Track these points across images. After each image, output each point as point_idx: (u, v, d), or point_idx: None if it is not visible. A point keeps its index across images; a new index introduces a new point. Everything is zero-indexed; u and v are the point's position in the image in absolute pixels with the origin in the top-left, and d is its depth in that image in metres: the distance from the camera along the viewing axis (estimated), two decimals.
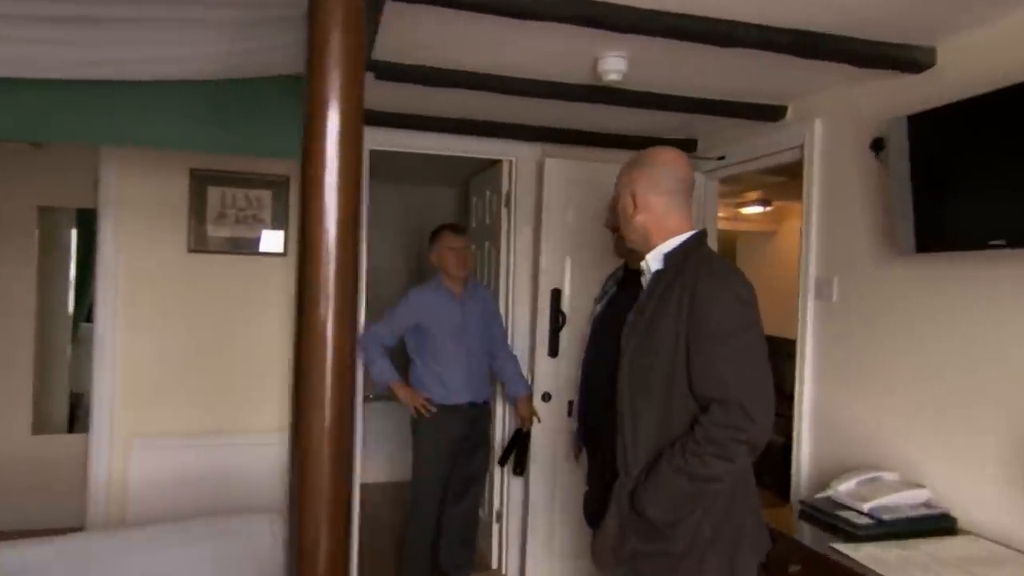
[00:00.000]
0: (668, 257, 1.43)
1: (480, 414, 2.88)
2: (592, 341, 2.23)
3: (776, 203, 5.27)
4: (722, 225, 6.18)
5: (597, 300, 2.28)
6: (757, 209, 5.40)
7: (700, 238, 1.46)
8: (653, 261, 1.46)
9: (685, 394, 1.33)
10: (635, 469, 1.38)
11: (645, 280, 1.50)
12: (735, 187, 4.77)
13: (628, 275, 2.20)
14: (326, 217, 0.97)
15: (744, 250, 6.58)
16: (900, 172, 1.78)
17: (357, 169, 1.00)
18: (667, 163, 1.46)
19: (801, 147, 2.36)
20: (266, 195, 2.65)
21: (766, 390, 1.31)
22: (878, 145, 1.99)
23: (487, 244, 3.41)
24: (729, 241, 6.82)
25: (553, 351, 2.89)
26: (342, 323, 0.98)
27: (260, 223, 2.63)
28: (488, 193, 3.39)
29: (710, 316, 1.30)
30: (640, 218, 1.46)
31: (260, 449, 2.30)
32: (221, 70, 1.70)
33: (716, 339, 1.29)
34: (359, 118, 0.99)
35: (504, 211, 3.17)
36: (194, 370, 2.52)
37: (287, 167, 2.55)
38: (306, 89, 0.96)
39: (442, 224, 2.92)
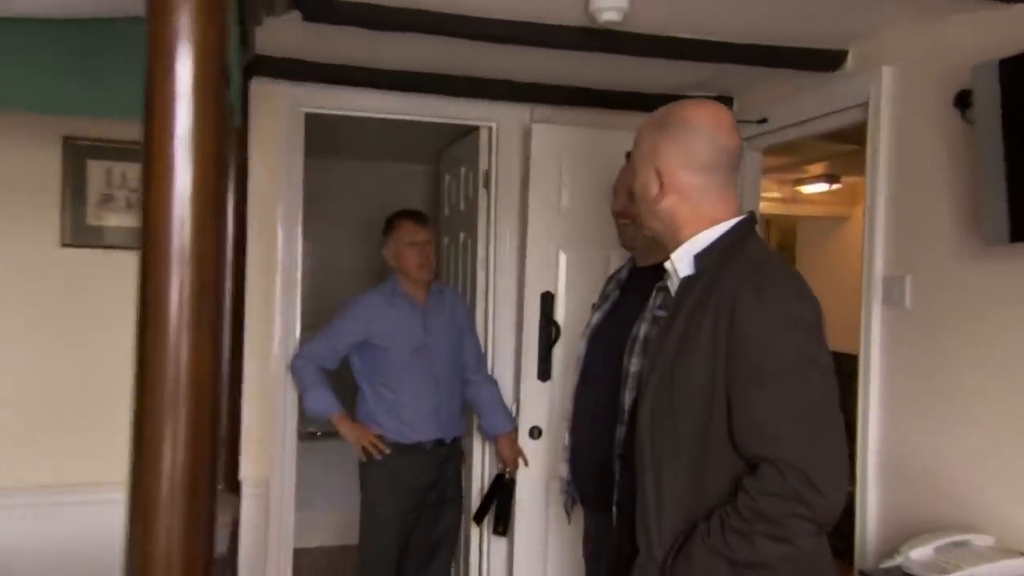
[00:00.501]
0: (700, 258, 1.36)
1: (449, 456, 2.84)
2: (587, 361, 2.18)
3: (846, 179, 5.20)
4: (777, 209, 6.24)
5: (596, 307, 2.24)
6: (821, 187, 5.37)
7: (745, 230, 1.38)
8: (681, 263, 1.39)
9: (726, 447, 1.27)
10: (660, 551, 1.32)
11: (672, 285, 1.43)
12: (792, 158, 4.72)
13: (634, 275, 2.15)
14: (175, 200, 0.89)
15: (806, 241, 6.55)
16: (989, 135, 1.73)
17: (218, 135, 0.92)
18: (706, 125, 1.37)
19: (865, 104, 2.32)
20: None
21: (836, 449, 1.24)
22: (964, 100, 1.94)
23: (462, 235, 3.38)
24: (786, 230, 6.81)
25: (544, 373, 2.87)
26: (200, 344, 0.90)
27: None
28: (463, 170, 3.36)
29: (756, 346, 1.23)
30: (667, 202, 1.39)
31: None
32: (89, 4, 1.65)
33: (764, 377, 1.23)
34: (219, 65, 0.91)
35: (483, 193, 3.14)
36: (51, 407, 2.45)
37: None
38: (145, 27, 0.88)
39: (399, 211, 2.88)
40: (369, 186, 4.76)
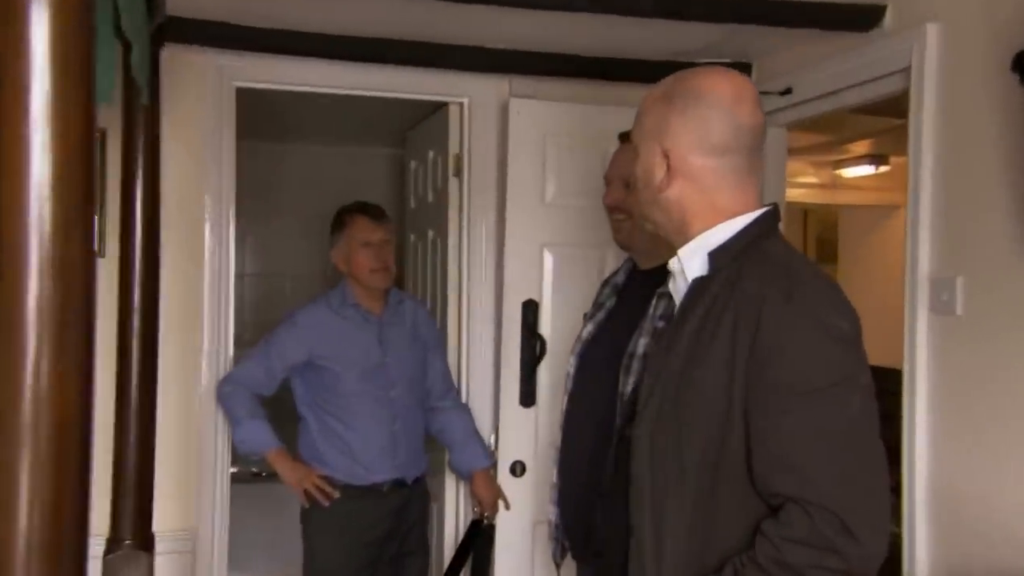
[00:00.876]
0: (716, 257, 1.34)
1: (411, 500, 2.83)
2: (576, 381, 2.17)
3: (896, 160, 5.20)
4: (815, 197, 6.26)
5: (588, 317, 2.23)
6: (866, 170, 5.38)
7: (769, 224, 1.37)
8: (690, 261, 1.38)
9: (742, 485, 1.26)
10: None
11: (678, 288, 1.42)
12: (829, 136, 4.72)
13: (633, 279, 2.13)
14: (31, 197, 0.87)
15: (850, 234, 6.56)
16: None
17: (86, 116, 0.90)
18: (724, 98, 1.35)
19: (907, 70, 2.31)
20: None
21: (877, 488, 1.23)
22: None
23: (431, 233, 3.37)
24: (827, 222, 6.83)
25: (527, 397, 2.85)
26: (63, 373, 0.88)
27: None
28: (431, 155, 3.35)
29: (785, 361, 1.21)
30: (675, 189, 1.37)
31: None
32: None
33: (793, 399, 1.21)
34: (85, 29, 0.90)
35: (453, 182, 3.13)
36: None
37: (101, 115, 2.47)
38: None
39: (351, 204, 2.85)
40: (325, 174, 4.74)
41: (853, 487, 1.20)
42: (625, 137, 2.14)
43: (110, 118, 2.46)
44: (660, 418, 1.31)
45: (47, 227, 0.90)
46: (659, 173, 1.37)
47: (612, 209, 2.10)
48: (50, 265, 0.89)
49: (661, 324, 2.01)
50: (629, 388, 2.00)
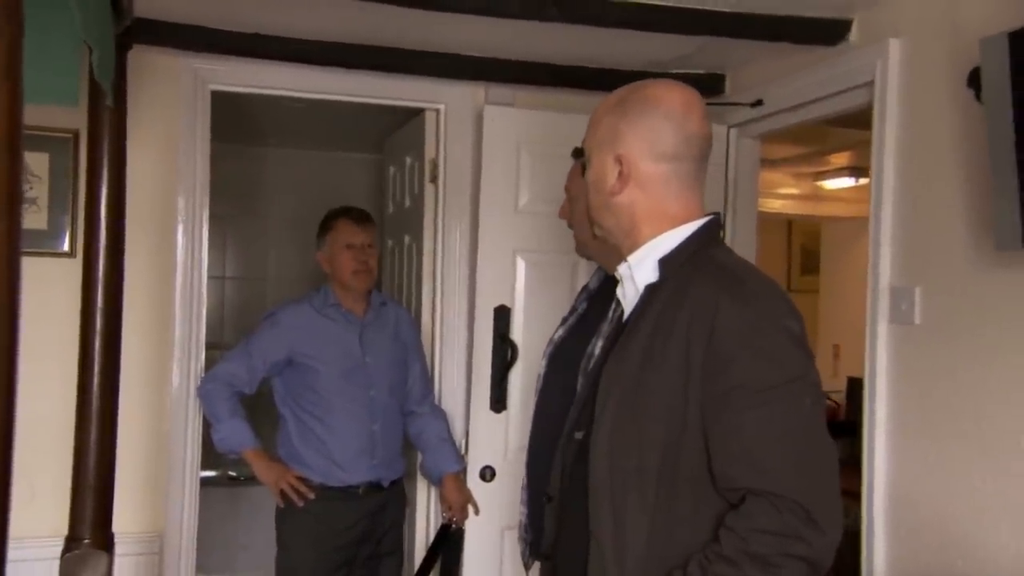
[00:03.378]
0: (666, 264, 1.38)
1: (388, 502, 2.82)
2: (545, 382, 2.19)
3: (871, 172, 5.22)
4: (797, 208, 6.27)
5: (563, 321, 2.25)
6: (846, 182, 5.38)
7: (712, 231, 1.42)
8: (640, 269, 1.41)
9: (701, 484, 1.29)
10: None
11: (626, 293, 1.44)
12: (810, 147, 4.74)
13: (603, 285, 2.15)
14: None
15: (832, 245, 6.56)
16: (999, 121, 1.74)
17: (12, 109, 0.90)
18: (675, 108, 1.39)
19: (871, 84, 2.33)
20: (40, 161, 2.57)
21: (832, 480, 1.28)
22: (979, 79, 1.92)
23: (407, 238, 3.37)
24: (809, 232, 6.83)
25: (498, 403, 2.85)
26: None
27: (30, 205, 2.55)
28: (408, 161, 3.36)
29: (742, 363, 1.25)
30: (626, 195, 1.41)
31: (23, 568, 2.17)
32: None
33: (751, 398, 1.24)
34: (14, 24, 0.89)
35: (429, 188, 3.14)
36: None
37: (74, 116, 2.47)
38: None
39: (337, 208, 2.87)
40: (306, 179, 4.74)
41: (813, 479, 1.25)
42: (580, 154, 2.18)
43: (83, 119, 2.46)
44: (617, 422, 1.33)
45: None
46: (611, 179, 1.41)
47: (568, 221, 2.16)
48: None
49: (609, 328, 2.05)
50: (580, 389, 2.03)
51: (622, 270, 1.44)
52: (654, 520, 1.29)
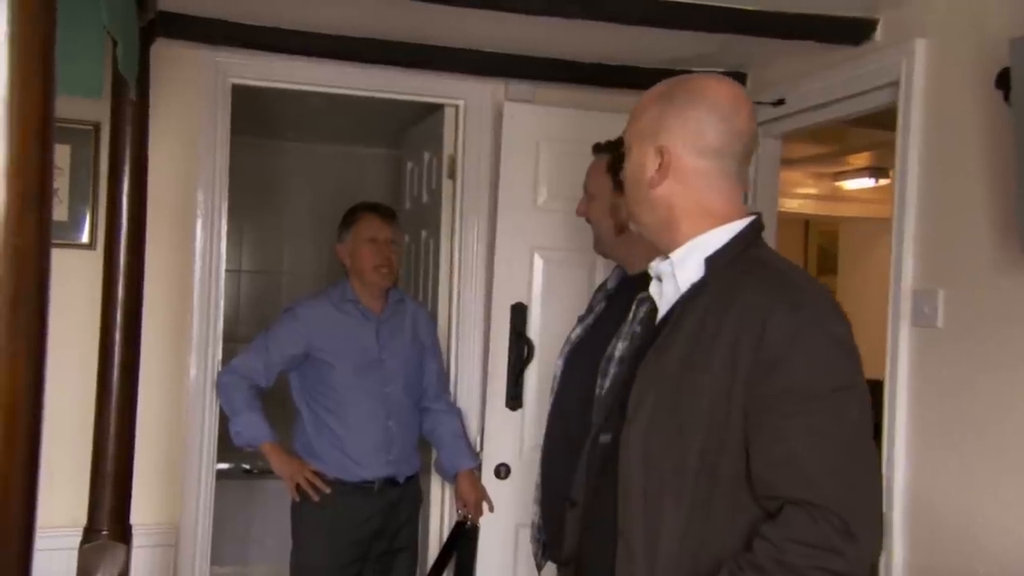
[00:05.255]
0: (712, 262, 1.34)
1: (403, 498, 2.83)
2: (562, 383, 2.18)
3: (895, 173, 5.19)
4: (815, 208, 6.25)
5: (580, 320, 2.25)
6: (866, 183, 5.36)
7: (756, 231, 1.38)
8: (683, 267, 1.37)
9: (739, 489, 1.26)
10: None
11: (661, 293, 1.41)
12: (829, 147, 4.71)
13: (623, 285, 2.15)
14: None
15: (850, 246, 6.53)
16: None
17: (44, 99, 0.90)
18: (722, 102, 1.36)
19: (896, 84, 2.31)
20: (61, 152, 2.58)
21: (875, 492, 1.26)
22: (1008, 80, 1.90)
23: (424, 233, 3.37)
24: (827, 233, 6.81)
25: (513, 400, 2.85)
26: (13, 350, 0.88)
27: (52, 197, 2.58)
28: (426, 156, 3.36)
29: (790, 368, 1.22)
30: (665, 188, 1.37)
31: (42, 557, 2.18)
32: None
33: (797, 404, 1.22)
34: (46, 12, 0.90)
35: (447, 184, 3.13)
36: None
37: (95, 108, 2.49)
38: None
39: (362, 203, 2.87)
40: (324, 173, 4.76)
41: (855, 490, 1.22)
42: (599, 149, 2.17)
43: (105, 112, 2.48)
44: (654, 422, 1.30)
45: (0, 215, 0.90)
46: (650, 170, 1.37)
47: (587, 218, 2.14)
48: (2, 251, 0.89)
49: (639, 329, 2.03)
50: (604, 392, 2.01)
51: (662, 267, 1.40)
52: (689, 524, 1.27)
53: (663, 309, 1.40)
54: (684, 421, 1.27)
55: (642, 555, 1.29)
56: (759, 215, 1.40)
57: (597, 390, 2.01)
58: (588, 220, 2.13)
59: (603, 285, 2.29)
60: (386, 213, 2.83)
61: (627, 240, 2.08)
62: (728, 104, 1.35)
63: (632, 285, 2.13)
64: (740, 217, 1.37)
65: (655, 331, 1.38)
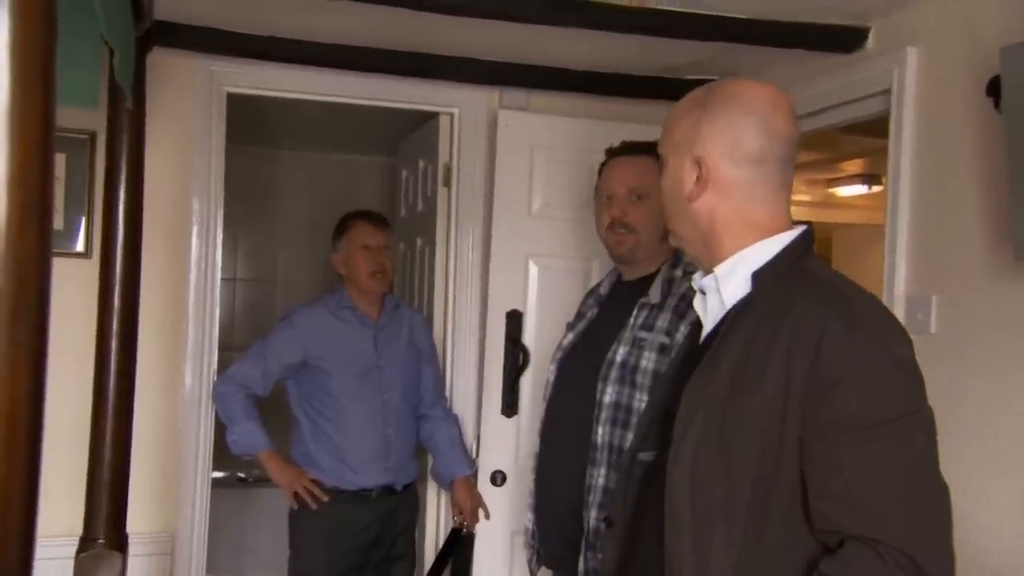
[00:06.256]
0: (760, 277, 1.26)
1: (400, 507, 2.83)
2: (556, 388, 2.19)
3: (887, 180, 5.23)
4: (808, 215, 6.25)
5: (570, 326, 2.25)
6: (858, 189, 5.38)
7: (807, 242, 1.30)
8: (728, 282, 1.29)
9: (794, 520, 1.18)
10: None
11: (705, 309, 1.35)
12: (822, 155, 4.74)
13: (617, 289, 2.15)
14: None
15: (844, 253, 6.55)
16: (1017, 129, 1.74)
17: (45, 111, 0.91)
18: (760, 106, 1.28)
19: (888, 92, 2.32)
20: (57, 162, 2.59)
21: (945, 528, 1.15)
22: (999, 88, 1.92)
23: (419, 241, 3.38)
24: (820, 239, 6.81)
25: (509, 407, 2.85)
26: (14, 359, 0.88)
27: (53, 208, 2.58)
28: (421, 164, 3.37)
29: (850, 393, 1.14)
30: (705, 200, 1.30)
31: (38, 567, 2.17)
32: None
33: (859, 433, 1.13)
34: (46, 25, 0.90)
35: (442, 191, 3.14)
36: None
37: (91, 117, 2.49)
38: None
39: (351, 212, 2.89)
40: (319, 181, 4.76)
41: (923, 526, 1.13)
42: (620, 152, 2.16)
43: (100, 121, 2.48)
44: (703, 447, 1.22)
45: (2, 226, 0.90)
46: (688, 183, 1.31)
47: (614, 224, 2.10)
48: (3, 262, 0.90)
49: (643, 334, 2.03)
50: (608, 396, 2.02)
51: (706, 282, 1.32)
52: (740, 557, 1.18)
53: (708, 325, 1.33)
54: (734, 447, 1.19)
55: None
56: (810, 225, 1.33)
57: (598, 395, 2.02)
58: (622, 226, 2.07)
59: (594, 290, 2.29)
60: (378, 220, 2.85)
61: (661, 246, 2.06)
62: (765, 106, 1.28)
63: (627, 289, 2.14)
64: (787, 228, 1.30)
65: (701, 348, 1.31)
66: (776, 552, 1.18)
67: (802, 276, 1.25)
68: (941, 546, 1.14)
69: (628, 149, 2.15)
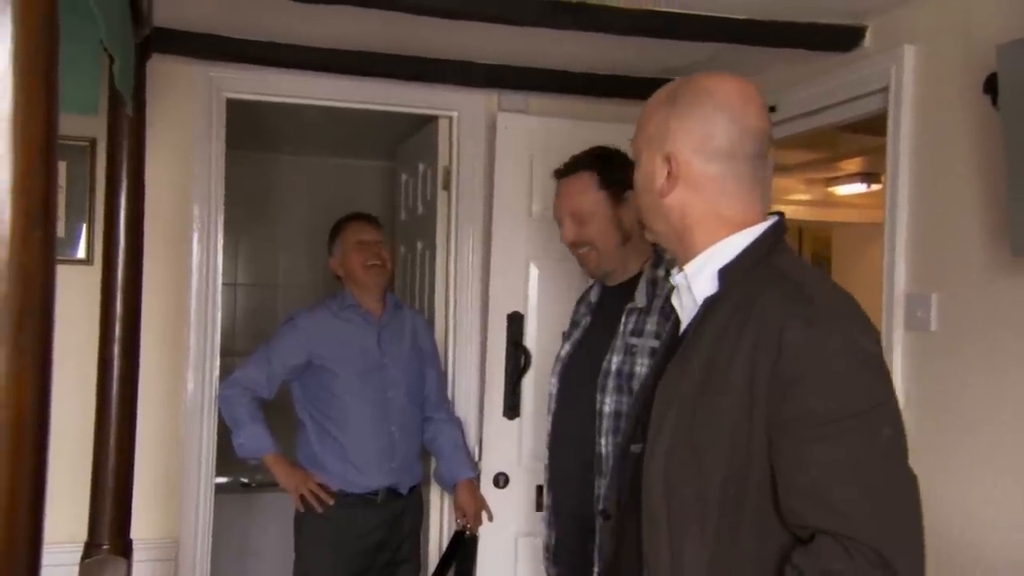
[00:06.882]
0: (727, 274, 1.27)
1: (406, 510, 2.84)
2: (559, 402, 2.19)
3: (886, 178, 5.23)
4: (808, 214, 6.28)
5: (565, 336, 2.25)
6: (858, 188, 5.39)
7: (777, 236, 1.30)
8: (698, 279, 1.30)
9: (766, 516, 1.18)
10: None
11: (681, 306, 1.35)
12: (821, 154, 4.75)
13: (606, 296, 2.15)
14: None
15: (843, 251, 6.55)
16: (1014, 126, 1.74)
17: (47, 120, 0.91)
18: (730, 101, 1.27)
19: (886, 90, 2.33)
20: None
21: (914, 519, 1.14)
22: (996, 85, 1.93)
23: (420, 244, 3.38)
24: (821, 238, 6.83)
25: (511, 409, 2.85)
26: (19, 366, 0.89)
27: (57, 215, 2.59)
28: (421, 167, 3.37)
29: (812, 388, 1.14)
30: (676, 196, 1.30)
31: (42, 574, 2.17)
32: None
33: (823, 427, 1.13)
34: (48, 35, 0.91)
35: (442, 195, 3.14)
36: None
37: (91, 125, 2.50)
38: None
39: (343, 216, 2.90)
40: (319, 185, 4.76)
41: (890, 520, 1.12)
42: (560, 174, 2.17)
43: (100, 127, 2.49)
44: (674, 445, 1.23)
45: (6, 233, 0.90)
46: (659, 179, 1.30)
47: (572, 244, 2.13)
48: (8, 269, 0.90)
49: (633, 340, 2.03)
50: (607, 406, 2.01)
51: (678, 280, 1.34)
52: (715, 554, 1.19)
53: (684, 322, 1.34)
54: (704, 446, 1.20)
55: None
56: (781, 216, 1.32)
57: (598, 405, 2.02)
58: (579, 245, 2.10)
59: (584, 297, 2.29)
60: (370, 218, 2.90)
61: (628, 249, 2.08)
62: (736, 101, 1.27)
63: (615, 295, 2.14)
64: (757, 221, 1.29)
65: (677, 343, 1.32)
66: (750, 548, 1.19)
67: (769, 271, 1.25)
68: (909, 539, 1.13)
69: (564, 170, 2.17)
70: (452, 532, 2.94)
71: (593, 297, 2.21)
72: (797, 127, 2.77)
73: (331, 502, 2.69)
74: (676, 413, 1.24)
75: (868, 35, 2.43)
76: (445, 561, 2.84)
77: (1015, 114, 1.75)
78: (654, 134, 1.32)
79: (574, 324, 2.24)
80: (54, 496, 2.41)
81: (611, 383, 2.01)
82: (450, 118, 3.09)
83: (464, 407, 3.04)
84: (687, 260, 1.32)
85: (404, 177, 3.65)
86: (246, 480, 4.23)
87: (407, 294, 3.55)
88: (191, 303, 2.77)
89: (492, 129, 2.97)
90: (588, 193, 2.08)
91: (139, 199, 1.98)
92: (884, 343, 2.28)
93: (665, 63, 2.80)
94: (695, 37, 2.43)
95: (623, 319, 2.04)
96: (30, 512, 0.92)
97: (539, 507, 2.80)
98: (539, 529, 2.28)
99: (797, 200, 5.79)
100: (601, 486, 2.00)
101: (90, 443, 1.94)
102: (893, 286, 2.27)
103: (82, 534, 1.94)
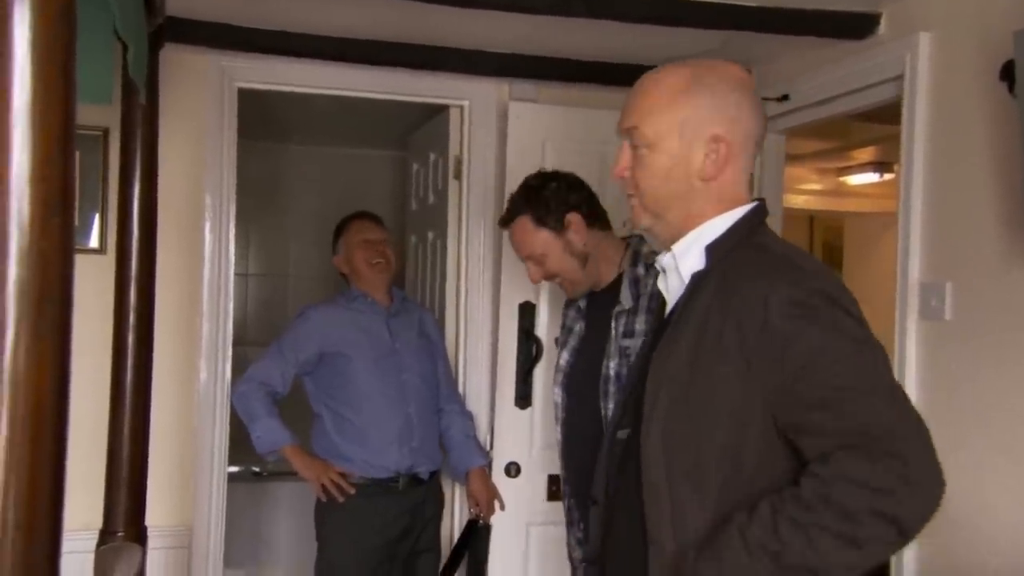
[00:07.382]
0: (714, 250, 1.30)
1: (427, 498, 2.84)
2: (567, 414, 2.19)
3: (900, 168, 5.20)
4: (819, 203, 6.25)
5: (560, 343, 2.26)
6: (870, 177, 5.36)
7: (759, 216, 1.34)
8: (686, 257, 1.33)
9: (765, 482, 1.20)
10: (670, 540, 1.24)
11: (667, 288, 1.38)
12: (833, 143, 4.72)
13: (594, 302, 2.16)
14: (11, 188, 0.89)
15: (856, 241, 6.53)
16: None
17: (65, 110, 0.92)
18: (749, 89, 1.34)
19: (900, 78, 2.31)
20: None
21: (928, 438, 1.15)
22: (1013, 72, 1.91)
23: (431, 234, 3.38)
24: (833, 228, 6.80)
25: (523, 398, 2.85)
26: (38, 352, 0.89)
27: (75, 201, 2.59)
28: (432, 157, 3.37)
29: (803, 340, 1.18)
30: (725, 178, 1.32)
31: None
32: None
33: (822, 369, 1.17)
34: (66, 26, 0.91)
35: (453, 184, 3.14)
36: None
37: (104, 114, 2.50)
38: None
39: (346, 215, 2.92)
40: (329, 175, 4.76)
41: (909, 434, 1.14)
42: (503, 223, 2.20)
43: (113, 117, 2.49)
44: (671, 421, 1.26)
45: (25, 220, 0.91)
46: (699, 162, 1.30)
47: (546, 278, 2.18)
48: (27, 255, 0.91)
49: (625, 343, 2.04)
50: (611, 412, 2.02)
51: (665, 260, 1.37)
52: (716, 519, 1.22)
53: (671, 302, 1.37)
54: (701, 417, 1.24)
55: (672, 556, 1.24)
56: (762, 200, 1.38)
57: (603, 412, 2.03)
58: (549, 278, 2.17)
59: (572, 302, 2.28)
60: (373, 217, 2.91)
61: (592, 264, 2.12)
62: (750, 88, 1.35)
63: (601, 299, 2.15)
64: (745, 203, 1.34)
65: (664, 324, 1.35)
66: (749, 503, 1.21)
67: (753, 248, 1.30)
68: (928, 452, 1.15)
69: (505, 219, 2.22)
70: (465, 521, 2.95)
71: (582, 303, 2.21)
72: (810, 115, 2.77)
73: (352, 491, 2.67)
74: (669, 389, 1.27)
75: (882, 22, 2.42)
76: (458, 550, 2.84)
77: None
78: (690, 116, 1.30)
79: (567, 330, 2.25)
80: (70, 484, 2.43)
81: (612, 388, 2.03)
82: (461, 107, 3.08)
83: (476, 397, 3.04)
84: (675, 240, 1.35)
85: (415, 167, 3.65)
86: (258, 469, 4.26)
87: (418, 284, 3.56)
88: (203, 293, 2.78)
89: (503, 118, 2.96)
90: (530, 235, 2.13)
91: (152, 188, 1.99)
92: (898, 331, 2.29)
93: (676, 51, 2.77)
94: (706, 25, 2.42)
95: (613, 323, 2.06)
96: (50, 498, 0.92)
97: (551, 496, 2.81)
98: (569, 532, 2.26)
99: (809, 189, 5.76)
100: None
101: (104, 433, 1.95)
102: (907, 275, 2.26)
103: (97, 522, 1.96)
